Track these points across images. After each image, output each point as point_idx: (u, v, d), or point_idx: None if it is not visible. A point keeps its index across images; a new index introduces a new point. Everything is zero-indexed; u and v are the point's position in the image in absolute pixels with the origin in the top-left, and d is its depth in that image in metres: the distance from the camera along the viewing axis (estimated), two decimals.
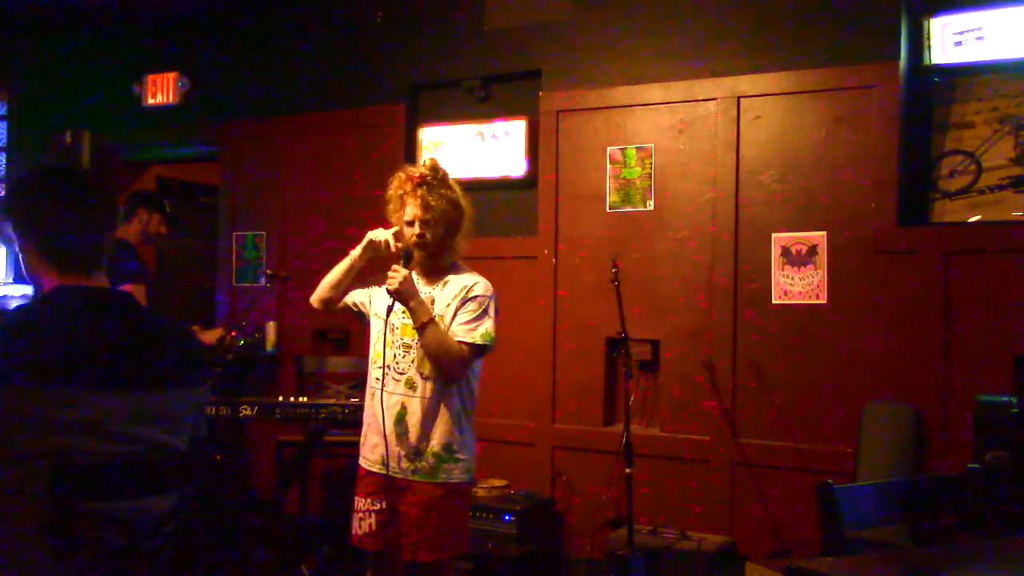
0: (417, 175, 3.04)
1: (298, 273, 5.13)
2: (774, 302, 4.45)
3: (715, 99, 4.59)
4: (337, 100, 5.65)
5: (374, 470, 3.06)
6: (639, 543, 4.10)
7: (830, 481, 2.37)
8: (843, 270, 4.32)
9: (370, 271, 3.22)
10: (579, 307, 4.86)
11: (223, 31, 6.05)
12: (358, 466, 3.15)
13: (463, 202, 3.09)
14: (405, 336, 3.02)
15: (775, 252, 4.45)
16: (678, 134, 4.69)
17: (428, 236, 3.01)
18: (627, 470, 4.03)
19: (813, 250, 4.38)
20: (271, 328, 5.68)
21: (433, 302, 3.03)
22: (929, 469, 4.07)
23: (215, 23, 6.07)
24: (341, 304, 3.22)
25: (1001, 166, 4.20)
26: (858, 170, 4.31)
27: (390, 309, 2.98)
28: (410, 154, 5.27)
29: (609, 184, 4.83)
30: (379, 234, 3.11)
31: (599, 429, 4.78)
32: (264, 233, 5.87)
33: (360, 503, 3.09)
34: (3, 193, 6.74)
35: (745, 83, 4.53)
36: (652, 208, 4.73)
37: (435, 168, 3.08)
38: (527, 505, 4.54)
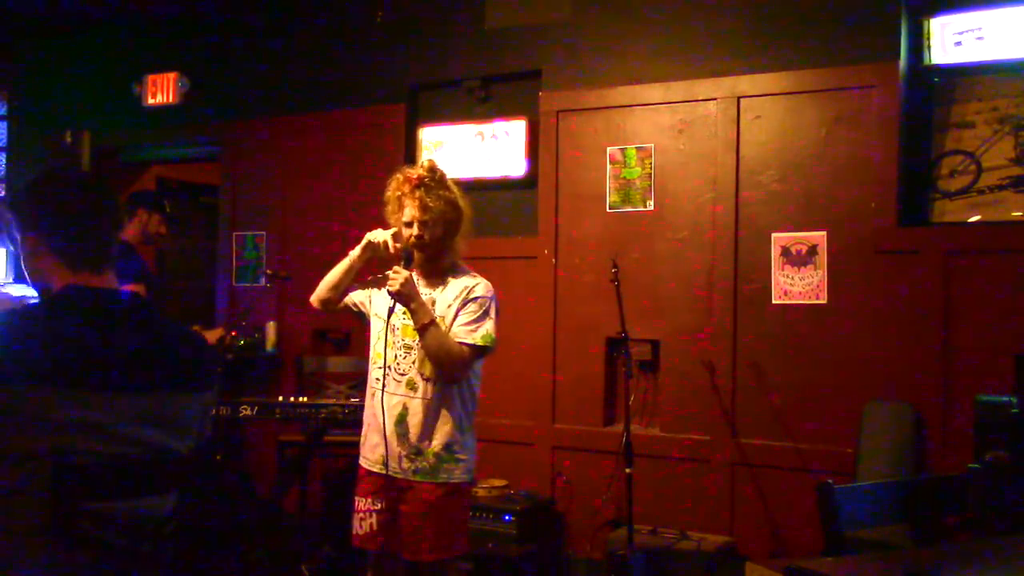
0: (415, 176, 3.04)
1: (298, 273, 5.13)
2: (774, 302, 4.45)
3: (715, 99, 4.59)
4: (337, 100, 5.65)
5: (375, 470, 3.06)
6: (639, 543, 4.10)
7: (830, 481, 2.37)
8: (843, 270, 4.32)
9: (369, 271, 3.22)
10: (579, 307, 4.86)
11: (223, 31, 6.05)
12: (358, 466, 3.16)
13: (462, 203, 3.09)
14: (406, 337, 3.03)
15: (775, 252, 4.45)
16: (678, 134, 4.69)
17: (426, 237, 3.02)
18: (627, 470, 4.03)
19: (813, 250, 4.38)
20: (271, 328, 5.68)
21: (434, 303, 3.03)
22: (929, 469, 4.07)
23: (215, 23, 6.07)
24: (341, 304, 3.22)
25: (1001, 166, 4.20)
26: (858, 170, 4.31)
27: (391, 310, 2.98)
28: (410, 154, 5.27)
29: (609, 184, 4.83)
30: (378, 235, 3.11)
31: (599, 429, 4.78)
32: (264, 233, 5.86)
33: (361, 503, 3.09)
34: (2, 193, 6.74)
35: (745, 83, 4.53)
36: (652, 208, 4.73)
37: (433, 169, 3.08)
38: (527, 505, 4.54)
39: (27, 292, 5.53)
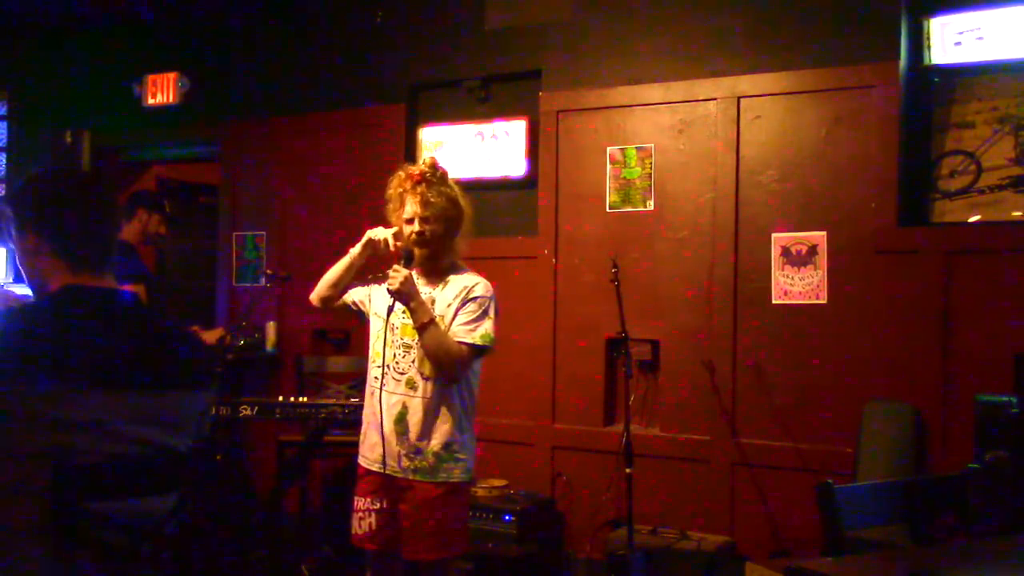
0: (417, 173, 3.06)
1: (298, 273, 5.13)
2: (774, 302, 4.45)
3: (715, 99, 4.59)
4: (337, 100, 5.65)
5: (374, 469, 3.07)
6: (639, 543, 4.10)
7: (830, 481, 2.37)
8: (843, 270, 4.32)
9: (369, 270, 3.22)
10: (579, 307, 4.86)
11: (223, 31, 6.05)
12: (357, 465, 3.16)
13: (462, 201, 3.10)
14: (405, 336, 3.03)
15: (775, 252, 4.45)
16: (678, 134, 4.68)
17: (427, 233, 3.02)
18: (627, 470, 4.02)
19: (813, 250, 4.38)
20: (271, 328, 5.68)
21: (433, 303, 3.03)
22: (929, 469, 4.07)
23: (215, 23, 6.07)
24: (340, 303, 3.23)
25: (1001, 166, 4.20)
26: (858, 170, 4.31)
27: (391, 309, 2.98)
28: (410, 154, 5.27)
29: (609, 184, 4.83)
30: (378, 233, 3.12)
31: (599, 429, 4.78)
32: (264, 233, 5.86)
33: (360, 502, 3.09)
34: (2, 193, 6.74)
35: (745, 83, 4.53)
36: (652, 208, 4.73)
37: (434, 166, 3.09)
38: (527, 505, 4.54)
39: (29, 292, 5.53)
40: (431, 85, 5.43)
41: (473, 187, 4.80)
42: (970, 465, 2.79)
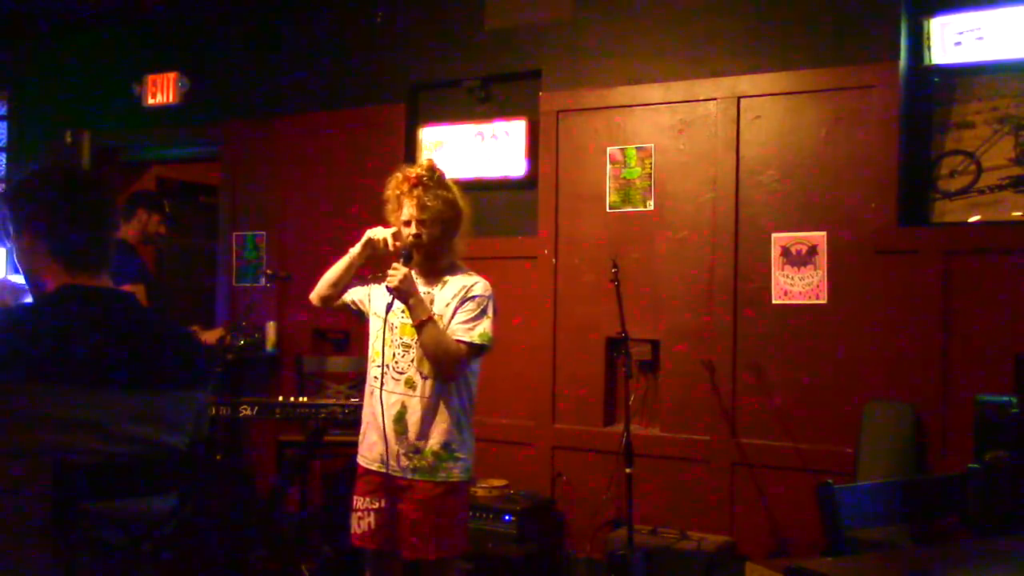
0: (413, 175, 3.06)
1: (298, 273, 5.13)
2: (774, 302, 4.45)
3: (715, 99, 4.59)
4: (337, 100, 5.65)
5: (373, 468, 3.07)
6: (639, 543, 4.10)
7: (830, 481, 2.37)
8: (843, 270, 4.32)
9: (369, 269, 3.22)
10: (579, 307, 4.86)
11: (223, 31, 6.05)
12: (357, 464, 3.16)
13: (461, 202, 3.11)
14: (404, 336, 3.04)
15: (775, 252, 4.45)
16: (678, 134, 4.68)
17: (424, 236, 3.03)
18: (627, 470, 4.02)
19: (813, 250, 4.38)
20: (271, 328, 5.68)
21: (432, 302, 3.04)
22: (929, 469, 4.07)
23: (215, 23, 6.07)
24: (340, 302, 3.23)
25: (1001, 166, 4.20)
26: (858, 170, 4.31)
27: (389, 307, 2.99)
28: (410, 154, 5.27)
29: (609, 184, 4.83)
30: (378, 232, 3.13)
31: (599, 429, 4.78)
32: (264, 233, 5.86)
33: (359, 502, 3.09)
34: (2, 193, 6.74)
35: (745, 83, 4.53)
36: (652, 208, 4.73)
37: (431, 168, 3.10)
38: (527, 505, 4.54)
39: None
40: (431, 85, 5.43)
41: (473, 187, 4.80)
42: (970, 465, 2.79)
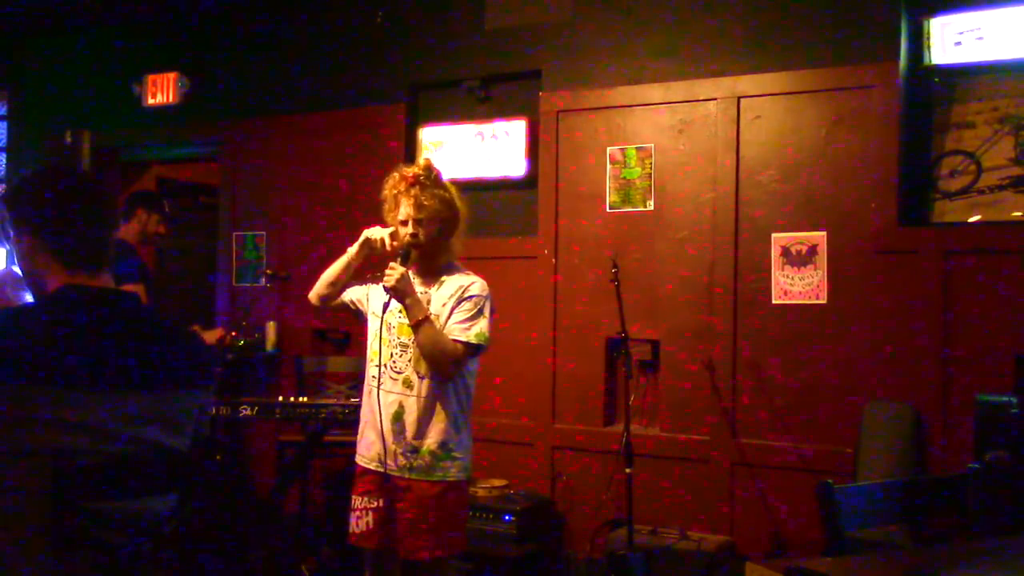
0: (411, 175, 3.07)
1: (298, 273, 5.13)
2: (774, 302, 4.45)
3: (715, 99, 4.59)
4: (337, 100, 5.65)
5: (371, 468, 3.08)
6: (639, 543, 4.10)
7: (830, 481, 2.37)
8: (843, 270, 4.32)
9: (367, 269, 3.23)
10: (579, 307, 4.86)
11: (223, 31, 6.05)
12: (355, 464, 3.17)
13: (458, 202, 3.12)
14: (402, 335, 3.05)
15: (775, 252, 4.45)
16: (678, 134, 4.68)
17: (421, 236, 3.04)
18: (627, 470, 4.02)
19: (813, 250, 4.38)
20: (271, 328, 5.68)
21: (429, 301, 3.05)
22: (929, 469, 4.07)
23: (215, 23, 6.07)
24: (338, 301, 3.24)
25: (1001, 166, 4.20)
26: (858, 170, 4.31)
27: (386, 306, 3.00)
28: (410, 154, 5.27)
29: (609, 184, 4.83)
30: (376, 232, 3.15)
31: (599, 429, 4.78)
32: (264, 233, 5.86)
33: (357, 501, 3.10)
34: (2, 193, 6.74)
35: (745, 83, 4.53)
36: (652, 208, 4.73)
37: (428, 168, 3.11)
38: (527, 505, 4.54)
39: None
40: (431, 85, 5.43)
41: (473, 187, 4.81)
42: (970, 465, 2.79)
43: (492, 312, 3.10)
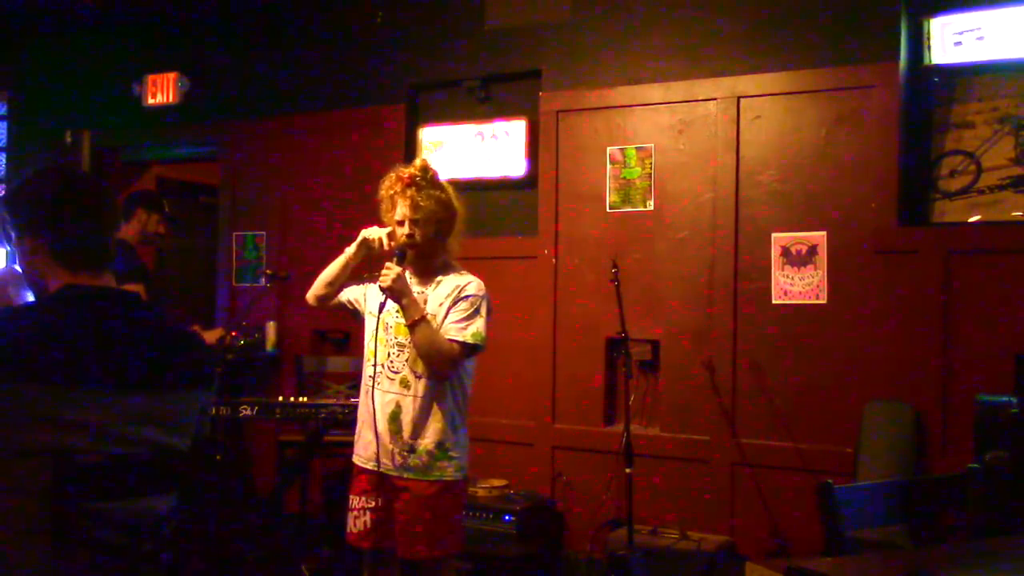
0: (407, 175, 3.08)
1: (298, 273, 5.13)
2: (774, 302, 4.45)
3: (715, 99, 4.59)
4: (337, 100, 5.65)
5: (368, 467, 3.08)
6: (639, 543, 4.10)
7: (830, 481, 2.37)
8: (843, 270, 4.32)
9: (366, 269, 3.24)
10: (579, 307, 4.86)
11: (223, 31, 6.05)
12: (352, 464, 3.17)
13: (455, 203, 3.13)
14: (399, 335, 3.05)
15: (775, 252, 4.45)
16: (678, 134, 4.68)
17: (417, 236, 3.05)
18: (627, 470, 4.03)
19: (813, 250, 4.38)
20: (271, 328, 5.68)
21: (426, 301, 3.05)
22: (929, 469, 4.07)
23: (215, 23, 6.07)
24: (336, 302, 3.25)
25: (1001, 166, 4.20)
26: (858, 170, 4.31)
27: (382, 306, 3.01)
28: (410, 154, 5.26)
29: (609, 184, 4.83)
30: (373, 232, 3.16)
31: (599, 429, 4.78)
32: (264, 233, 5.86)
33: (354, 501, 3.11)
34: (2, 193, 6.74)
35: (745, 83, 4.53)
36: (652, 208, 4.73)
37: (425, 168, 3.11)
38: (527, 505, 4.54)
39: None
40: (431, 85, 5.43)
41: (473, 187, 4.82)
42: (970, 465, 2.79)
43: (489, 312, 3.10)
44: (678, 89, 4.69)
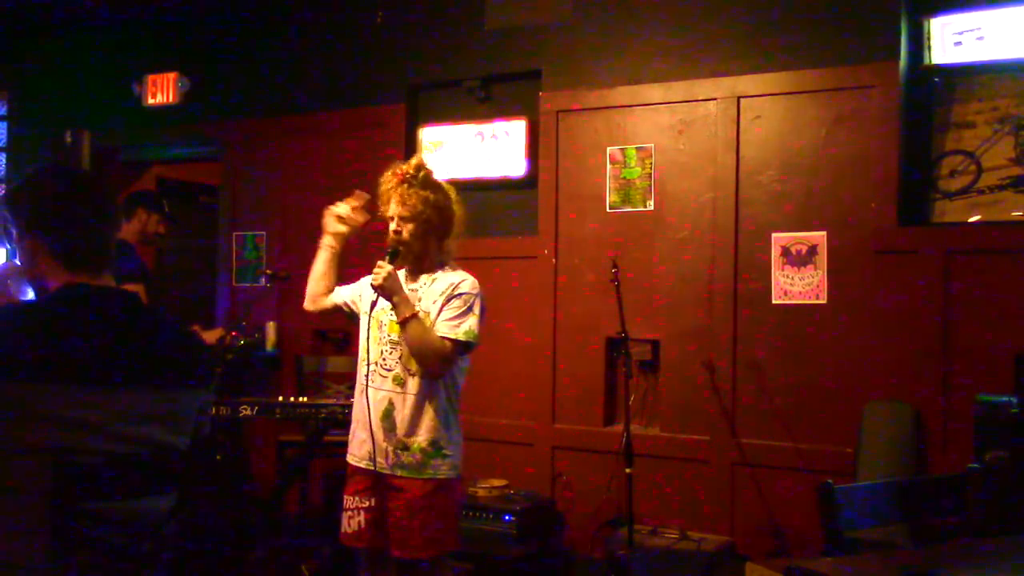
0: (400, 172, 3.10)
1: (298, 273, 5.12)
2: (774, 302, 4.45)
3: (715, 99, 4.59)
4: (337, 100, 5.65)
5: (361, 466, 3.08)
6: (639, 543, 4.10)
7: (830, 481, 2.37)
8: (843, 270, 4.32)
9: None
10: (579, 307, 4.86)
11: (223, 31, 6.05)
12: (347, 463, 3.16)
13: (453, 206, 3.13)
14: (392, 333, 3.05)
15: (775, 252, 4.45)
16: (678, 134, 4.68)
17: (404, 233, 3.06)
18: (627, 470, 4.02)
19: (813, 250, 4.38)
20: (271, 328, 5.68)
21: (420, 300, 3.06)
22: (929, 469, 4.07)
23: (215, 23, 6.07)
24: (331, 304, 3.26)
25: (1001, 166, 4.20)
26: (858, 170, 4.31)
27: (374, 304, 3.01)
28: (410, 154, 5.23)
29: (609, 184, 4.83)
30: (338, 207, 3.24)
31: (599, 429, 4.78)
32: (264, 233, 5.87)
33: (349, 501, 3.10)
34: (2, 193, 6.74)
35: (745, 83, 4.53)
36: (652, 208, 4.73)
37: (419, 167, 3.13)
38: (527, 505, 4.54)
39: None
40: (431, 85, 5.43)
41: (473, 187, 4.82)
42: (970, 465, 2.79)
43: (483, 310, 3.09)
44: (678, 89, 4.69)
